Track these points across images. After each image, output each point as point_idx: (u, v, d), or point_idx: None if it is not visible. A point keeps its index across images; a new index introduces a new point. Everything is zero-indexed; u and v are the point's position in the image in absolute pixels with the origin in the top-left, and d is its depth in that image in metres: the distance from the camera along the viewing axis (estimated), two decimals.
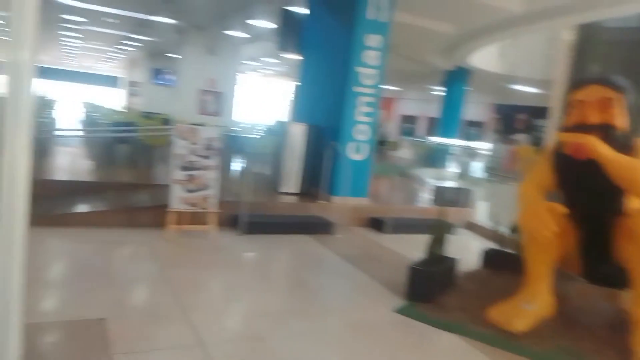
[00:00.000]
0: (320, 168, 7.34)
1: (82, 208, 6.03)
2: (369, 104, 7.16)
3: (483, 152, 16.40)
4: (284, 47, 8.66)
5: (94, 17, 13.35)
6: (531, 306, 3.78)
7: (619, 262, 3.70)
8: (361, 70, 7.04)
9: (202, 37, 13.78)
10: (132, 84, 26.88)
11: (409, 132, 26.72)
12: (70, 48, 23.26)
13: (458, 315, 3.96)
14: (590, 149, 3.47)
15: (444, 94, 16.86)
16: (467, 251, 6.73)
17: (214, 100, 14.13)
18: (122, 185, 7.00)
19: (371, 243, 6.39)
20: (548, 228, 3.51)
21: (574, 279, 4.26)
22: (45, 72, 37.16)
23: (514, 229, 5.18)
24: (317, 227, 6.48)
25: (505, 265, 5.15)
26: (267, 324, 3.62)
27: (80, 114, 19.93)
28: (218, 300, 4.12)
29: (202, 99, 13.95)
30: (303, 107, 8.41)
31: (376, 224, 7.07)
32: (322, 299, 4.31)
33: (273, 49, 16.21)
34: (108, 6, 12.02)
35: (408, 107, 28.26)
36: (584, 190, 3.78)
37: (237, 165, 8.78)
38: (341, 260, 5.46)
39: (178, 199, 5.46)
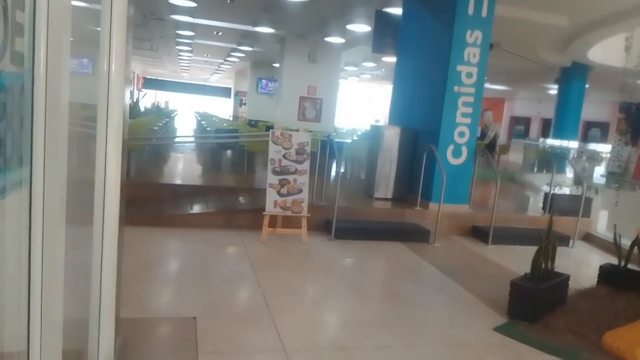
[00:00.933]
0: (416, 173, 7.05)
1: (186, 210, 6.38)
2: (469, 105, 6.73)
3: (605, 155, 14.74)
4: (380, 49, 8.50)
5: (202, 31, 14.26)
6: None
7: None
8: (462, 68, 6.65)
9: (302, 45, 14.08)
10: (239, 93, 28.41)
11: (520, 134, 24.97)
12: (185, 61, 25.19)
13: (567, 338, 3.50)
14: None
15: (559, 92, 15.46)
16: (582, 266, 6.05)
17: (314, 106, 14.35)
18: (223, 189, 7.32)
19: (471, 254, 5.97)
20: None
21: None
22: (166, 85, 40.94)
23: None
24: (412, 234, 6.21)
25: (627, 283, 4.51)
26: (354, 335, 3.48)
27: (193, 122, 21.49)
28: (306, 306, 4.06)
29: (302, 105, 14.24)
30: (398, 110, 8.17)
31: (478, 233, 6.61)
32: (414, 311, 4.07)
33: (371, 54, 16.16)
34: (214, 20, 12.76)
35: (519, 107, 26.47)
36: None
37: (331, 169, 8.78)
38: (437, 271, 5.15)
39: (272, 203, 5.54)
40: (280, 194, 5.56)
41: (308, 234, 5.65)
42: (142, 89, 36.91)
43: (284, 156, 5.59)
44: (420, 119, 7.28)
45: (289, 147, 5.61)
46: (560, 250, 6.57)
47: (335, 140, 10.26)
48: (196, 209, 6.45)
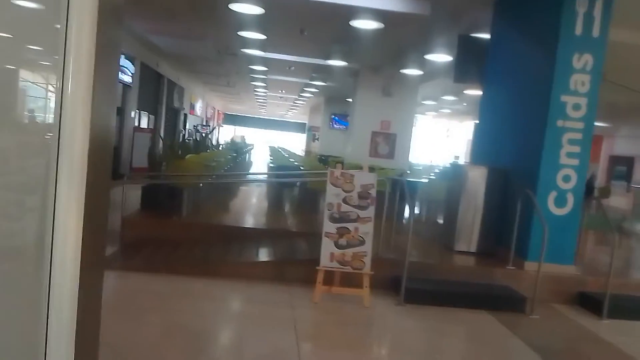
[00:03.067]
0: (508, 223, 5.83)
1: (235, 257, 5.63)
2: (577, 142, 5.48)
3: None
4: (463, 78, 7.46)
5: (275, 66, 13.97)
6: None
7: None
8: (567, 99, 5.44)
9: (376, 78, 13.34)
10: (313, 128, 28.13)
11: (621, 176, 22.23)
12: (261, 97, 25.42)
13: None
14: None
15: None
16: None
17: (387, 142, 13.42)
18: (280, 232, 6.54)
19: (581, 332, 4.63)
20: None
21: None
22: (245, 120, 42.08)
23: None
24: (502, 301, 4.98)
25: None
26: None
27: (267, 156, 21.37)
28: None
29: (374, 141, 13.36)
30: (485, 147, 7.01)
31: (589, 303, 5.23)
32: None
33: (451, 86, 15.03)
34: (286, 54, 12.38)
35: (620, 146, 23.73)
36: None
37: (403, 214, 7.70)
38: (535, 355, 3.92)
39: (328, 256, 4.62)
40: (338, 246, 4.64)
41: (371, 294, 4.64)
42: (222, 125, 38.11)
43: (344, 200, 4.68)
44: (513, 158, 6.09)
45: (350, 190, 4.70)
46: None
47: (409, 179, 9.24)
48: (246, 256, 5.69)
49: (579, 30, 5.42)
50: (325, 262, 4.61)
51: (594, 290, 5.34)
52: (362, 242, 4.64)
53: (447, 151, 27.40)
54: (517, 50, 6.45)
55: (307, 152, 26.16)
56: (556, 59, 5.44)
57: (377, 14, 7.70)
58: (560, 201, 5.50)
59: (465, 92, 14.89)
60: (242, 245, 5.99)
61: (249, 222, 7.44)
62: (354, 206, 4.68)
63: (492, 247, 6.08)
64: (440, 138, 29.00)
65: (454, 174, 6.66)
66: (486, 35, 7.26)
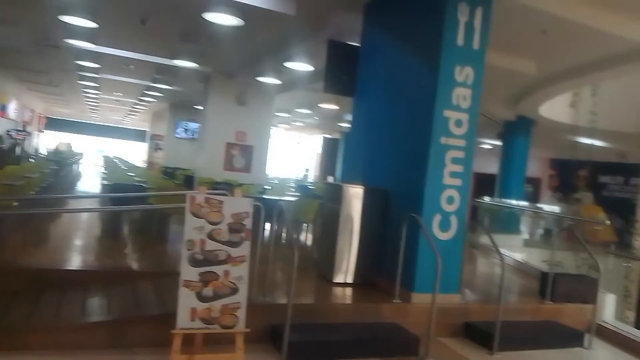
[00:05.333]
0: (387, 249, 5.27)
1: (48, 320, 4.04)
2: (459, 161, 5.12)
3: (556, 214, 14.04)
4: (334, 88, 6.81)
5: (109, 63, 11.92)
6: None
7: None
8: (450, 114, 5.06)
9: (230, 85, 12.24)
10: (155, 137, 25.66)
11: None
12: (92, 100, 22.25)
13: None
14: None
15: (505, 148, 14.76)
16: None
17: (243, 154, 12.37)
18: (117, 274, 5.05)
19: None
20: None
21: None
22: (73, 126, 36.81)
23: None
24: (394, 345, 4.30)
25: None
26: None
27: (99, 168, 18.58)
28: None
29: (229, 153, 12.21)
30: (359, 164, 6.43)
31: (474, 334, 4.85)
32: None
33: (306, 98, 14.65)
34: (123, 48, 10.58)
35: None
36: None
37: (264, 238, 6.73)
38: None
39: (187, 313, 3.41)
40: (202, 298, 3.46)
41: (245, 356, 3.55)
42: (43, 130, 32.82)
43: (210, 235, 3.54)
44: (393, 177, 5.55)
45: (218, 221, 3.57)
46: (575, 355, 5.02)
47: (270, 197, 8.32)
48: (68, 314, 4.13)
49: (460, 40, 5.09)
50: (184, 322, 3.39)
51: (476, 318, 5.01)
52: (234, 291, 3.54)
53: (298, 165, 27.28)
54: (392, 60, 5.98)
55: (150, 163, 23.71)
56: (439, 71, 5.03)
57: (236, 8, 6.66)
58: (445, 225, 5.07)
59: (320, 105, 14.61)
60: (63, 296, 4.39)
61: (74, 261, 5.72)
62: (224, 242, 3.56)
63: (372, 277, 5.45)
64: (291, 151, 28.83)
65: (329, 194, 5.92)
66: (359, 41, 6.72)
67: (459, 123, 5.10)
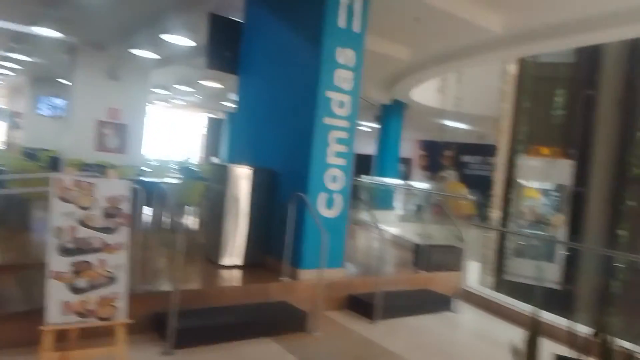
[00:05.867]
0: (276, 229, 5.30)
1: None
2: (343, 142, 5.29)
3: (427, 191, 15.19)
4: (217, 65, 6.57)
5: None
6: None
7: None
8: (332, 95, 5.18)
9: (100, 57, 11.22)
10: (14, 114, 22.71)
11: None
12: None
13: None
14: None
15: (381, 130, 15.58)
16: (491, 344, 4.94)
17: (117, 133, 11.49)
18: None
19: (362, 342, 4.38)
20: None
21: None
22: None
23: (601, 327, 3.45)
24: (283, 322, 4.36)
25: None
26: None
27: None
28: None
29: (101, 132, 11.25)
30: (245, 144, 6.33)
31: (359, 306, 5.11)
32: None
33: (186, 75, 14.00)
34: None
35: None
36: None
37: (152, 227, 6.39)
38: None
39: (59, 306, 3.10)
40: (75, 289, 3.16)
41: (128, 347, 3.34)
42: None
43: (82, 222, 3.23)
44: (280, 157, 5.56)
45: (90, 206, 3.28)
46: (445, 318, 5.54)
47: (150, 179, 7.87)
48: None
49: (342, 22, 5.20)
50: (54, 316, 3.07)
51: (359, 291, 5.27)
52: (112, 280, 3.28)
53: (180, 146, 26.08)
54: (276, 38, 5.93)
55: (9, 144, 20.99)
56: (321, 52, 5.10)
57: None
58: (330, 203, 5.23)
59: (202, 82, 14.07)
60: None
61: None
62: (98, 229, 3.27)
63: (261, 258, 5.45)
64: (173, 131, 27.45)
65: (215, 175, 5.75)
66: (245, 16, 6.54)
67: (341, 104, 5.24)
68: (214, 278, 4.96)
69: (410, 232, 9.05)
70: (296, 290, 4.87)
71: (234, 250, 5.32)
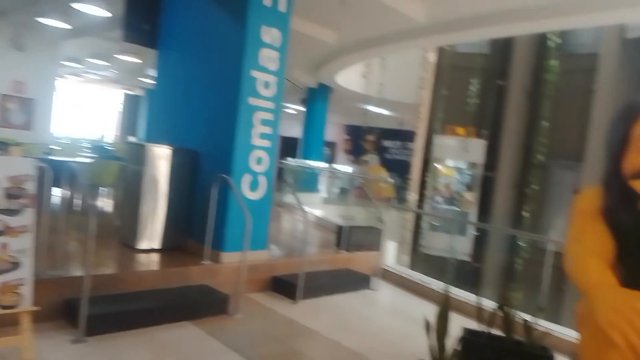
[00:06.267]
0: (198, 211, 5.17)
1: None
2: (268, 123, 5.23)
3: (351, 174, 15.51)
4: (134, 37, 6.21)
5: None
6: None
7: None
8: (257, 75, 5.09)
9: (3, 26, 10.20)
10: None
11: None
12: None
13: None
14: None
15: (307, 113, 15.60)
16: (405, 319, 5.21)
17: (22, 108, 10.56)
18: None
19: (283, 322, 4.43)
20: None
21: None
22: None
23: (505, 301, 3.73)
24: (204, 305, 4.29)
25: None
26: None
27: None
28: None
29: (4, 106, 10.28)
30: (164, 123, 6.08)
31: (282, 288, 5.14)
32: None
33: (101, 48, 13.13)
34: None
35: None
36: None
37: (62, 209, 5.96)
38: (239, 357, 3.43)
39: None
40: None
41: (35, 336, 3.12)
42: None
43: None
44: (202, 137, 5.40)
45: None
46: (364, 296, 5.74)
47: (59, 158, 7.35)
48: None
49: (267, 1, 5.11)
50: None
51: (284, 272, 5.31)
52: (15, 266, 3.04)
53: (94, 123, 24.50)
54: (199, 12, 5.70)
55: None
56: (246, 30, 4.99)
57: None
58: (254, 185, 5.18)
59: (118, 57, 13.25)
60: None
61: None
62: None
63: (181, 241, 5.30)
64: (86, 107, 25.70)
65: (132, 154, 5.47)
66: None
67: (266, 85, 5.17)
68: (130, 262, 4.75)
69: (333, 214, 9.23)
70: (218, 273, 4.81)
71: (152, 233, 5.13)
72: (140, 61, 12.57)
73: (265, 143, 5.22)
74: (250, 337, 3.98)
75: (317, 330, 4.26)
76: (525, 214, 8.57)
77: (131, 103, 22.79)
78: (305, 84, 14.94)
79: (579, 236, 2.63)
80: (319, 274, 5.61)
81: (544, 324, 3.86)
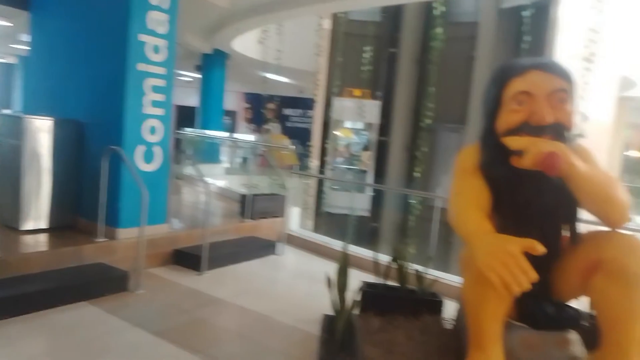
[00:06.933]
0: (87, 186, 4.86)
1: None
2: (161, 90, 4.99)
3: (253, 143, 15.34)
4: None
5: None
6: None
7: (562, 299, 2.88)
8: (146, 39, 4.81)
9: None
10: None
11: None
12: None
13: None
14: (566, 162, 2.45)
15: (203, 80, 15.01)
16: (306, 278, 5.41)
17: None
18: None
19: (188, 294, 4.38)
20: (528, 277, 2.32)
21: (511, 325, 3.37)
22: None
23: (399, 255, 4.01)
24: (100, 284, 4.09)
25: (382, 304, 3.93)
26: None
27: None
28: None
29: None
30: (42, 93, 5.55)
31: (185, 260, 5.06)
32: None
33: None
34: None
35: None
36: (530, 213, 2.79)
37: None
38: (152, 337, 3.38)
39: None
40: None
41: None
42: None
43: None
44: (87, 107, 5.02)
45: None
46: (270, 261, 5.84)
47: None
48: None
49: None
50: None
51: (187, 245, 5.22)
52: None
53: None
54: None
55: None
56: None
57: None
58: (149, 156, 4.96)
59: None
60: None
61: None
62: None
63: (71, 219, 4.97)
64: None
65: (4, 128, 4.94)
66: None
67: (156, 49, 4.91)
68: (15, 244, 4.37)
69: (236, 184, 9.16)
70: (115, 250, 4.60)
71: (38, 212, 4.74)
72: (11, 24, 11.24)
73: (159, 111, 5.00)
74: (154, 312, 3.90)
75: (223, 298, 4.28)
76: (416, 174, 9.17)
77: (3, 72, 20.38)
78: (199, 50, 14.37)
79: (460, 190, 2.91)
80: (223, 243, 5.60)
81: (433, 273, 4.23)
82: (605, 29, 6.88)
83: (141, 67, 4.79)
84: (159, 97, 4.98)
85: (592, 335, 2.73)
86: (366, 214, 9.51)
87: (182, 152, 12.24)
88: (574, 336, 2.96)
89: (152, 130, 4.96)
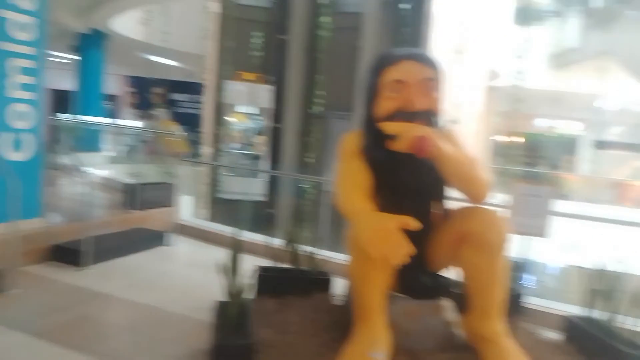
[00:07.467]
0: None
1: None
2: (30, 72, 4.55)
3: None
4: None
5: None
6: (381, 353, 2.84)
7: (436, 269, 3.23)
8: (8, 15, 4.34)
9: None
10: None
11: None
12: None
13: None
14: (434, 145, 2.73)
15: (81, 62, 13.85)
16: (199, 267, 5.34)
17: None
18: None
19: (70, 291, 4.11)
20: (405, 251, 2.57)
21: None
22: None
23: (292, 238, 4.13)
24: None
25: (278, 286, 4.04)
26: None
27: None
28: None
29: None
30: None
31: (65, 255, 4.71)
32: None
33: None
34: None
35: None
36: (405, 192, 3.07)
37: None
38: (32, 339, 3.16)
39: None
40: None
41: None
42: None
43: None
44: None
45: None
46: (160, 252, 5.65)
47: None
48: None
49: None
50: None
51: (67, 239, 4.86)
52: None
53: None
54: None
55: None
56: None
57: None
58: (17, 144, 4.51)
59: None
60: None
61: None
62: None
63: None
64: None
65: None
66: None
67: (22, 27, 4.46)
68: None
69: (122, 173, 8.65)
70: None
71: None
72: None
73: (28, 95, 4.56)
74: (31, 312, 3.60)
75: (109, 292, 4.08)
76: (309, 159, 9.40)
77: None
78: (75, 29, 13.24)
79: (344, 173, 3.09)
80: (108, 236, 5.30)
81: (324, 254, 4.43)
82: (474, 26, 7.59)
83: (4, 45, 4.32)
84: (28, 79, 4.54)
85: (462, 301, 3.07)
86: (262, 199, 9.57)
87: (58, 140, 11.25)
88: (447, 303, 3.31)
89: (21, 116, 4.51)
